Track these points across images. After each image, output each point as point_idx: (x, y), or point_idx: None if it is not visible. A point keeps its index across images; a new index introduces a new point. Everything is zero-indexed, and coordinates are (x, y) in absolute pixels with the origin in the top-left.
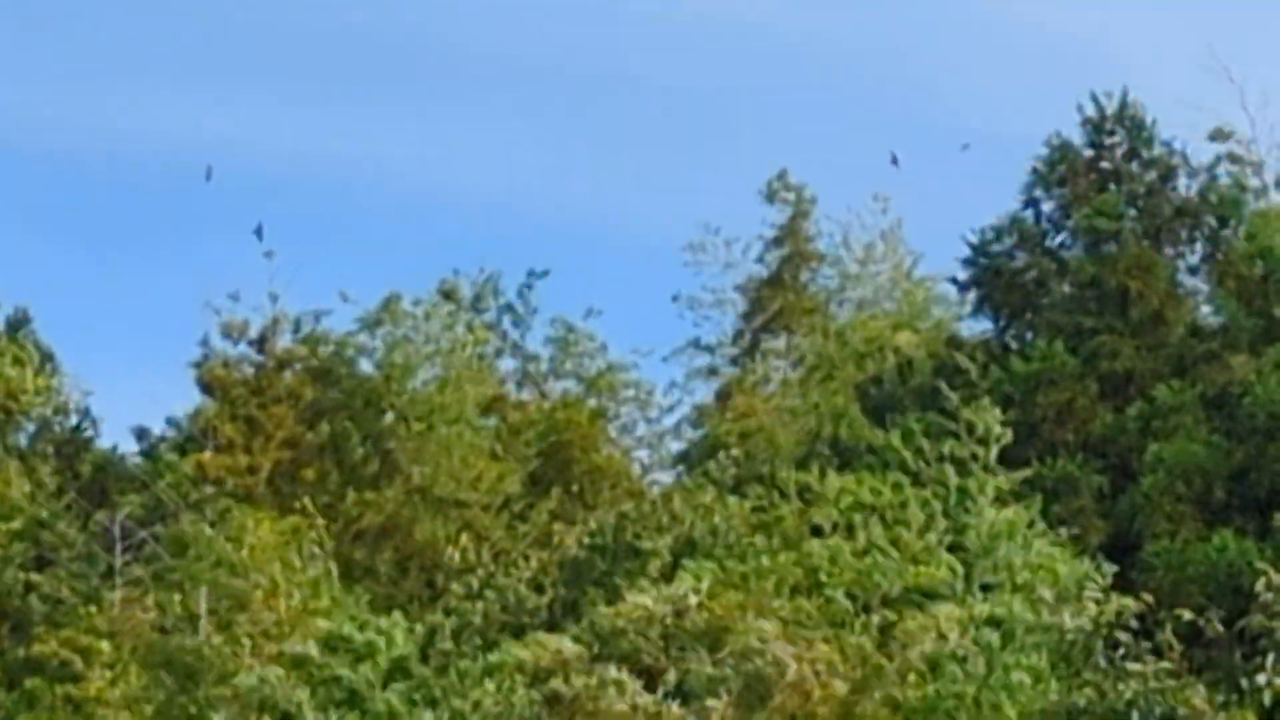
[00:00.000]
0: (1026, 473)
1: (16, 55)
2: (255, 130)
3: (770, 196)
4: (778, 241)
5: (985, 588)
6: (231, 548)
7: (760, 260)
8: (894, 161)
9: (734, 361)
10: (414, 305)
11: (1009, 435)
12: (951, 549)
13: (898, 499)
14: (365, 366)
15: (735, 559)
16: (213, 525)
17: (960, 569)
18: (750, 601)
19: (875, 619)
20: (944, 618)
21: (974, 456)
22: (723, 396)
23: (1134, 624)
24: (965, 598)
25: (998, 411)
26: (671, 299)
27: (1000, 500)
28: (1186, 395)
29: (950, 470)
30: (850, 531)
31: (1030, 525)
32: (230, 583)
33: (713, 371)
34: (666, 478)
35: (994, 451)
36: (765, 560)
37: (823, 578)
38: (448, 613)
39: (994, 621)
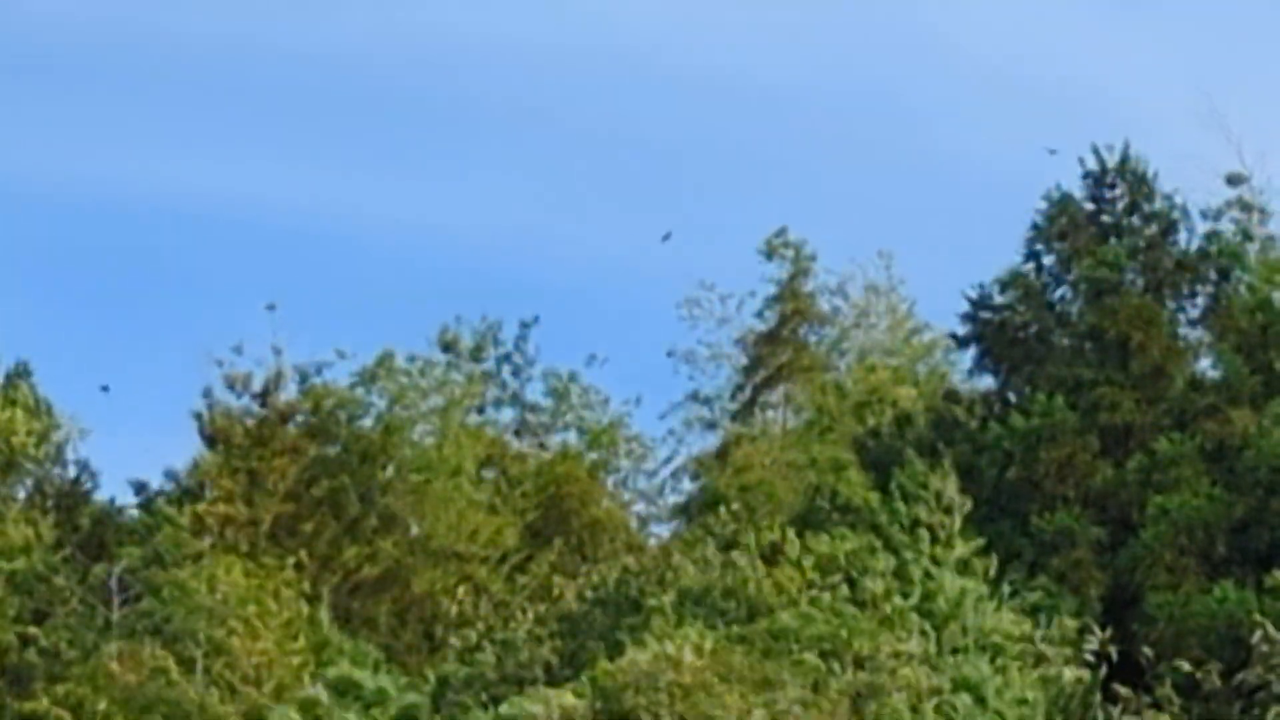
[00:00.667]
0: (979, 543)
1: (17, 108)
2: (256, 183)
3: (770, 254)
4: (778, 298)
5: (954, 651)
6: (206, 592)
7: (760, 316)
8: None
9: (733, 416)
10: (410, 361)
11: (968, 504)
12: (921, 613)
13: (871, 562)
14: (365, 420)
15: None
16: (195, 573)
17: (931, 632)
18: (717, 663)
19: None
20: (914, 681)
21: (941, 525)
22: (722, 451)
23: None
24: (937, 660)
25: (955, 480)
26: (667, 354)
27: (964, 566)
28: (1187, 448)
29: (924, 535)
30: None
31: (992, 594)
32: (210, 629)
33: (710, 425)
34: (664, 531)
35: (957, 520)
36: (736, 628)
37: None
38: (462, 662)
39: (966, 684)
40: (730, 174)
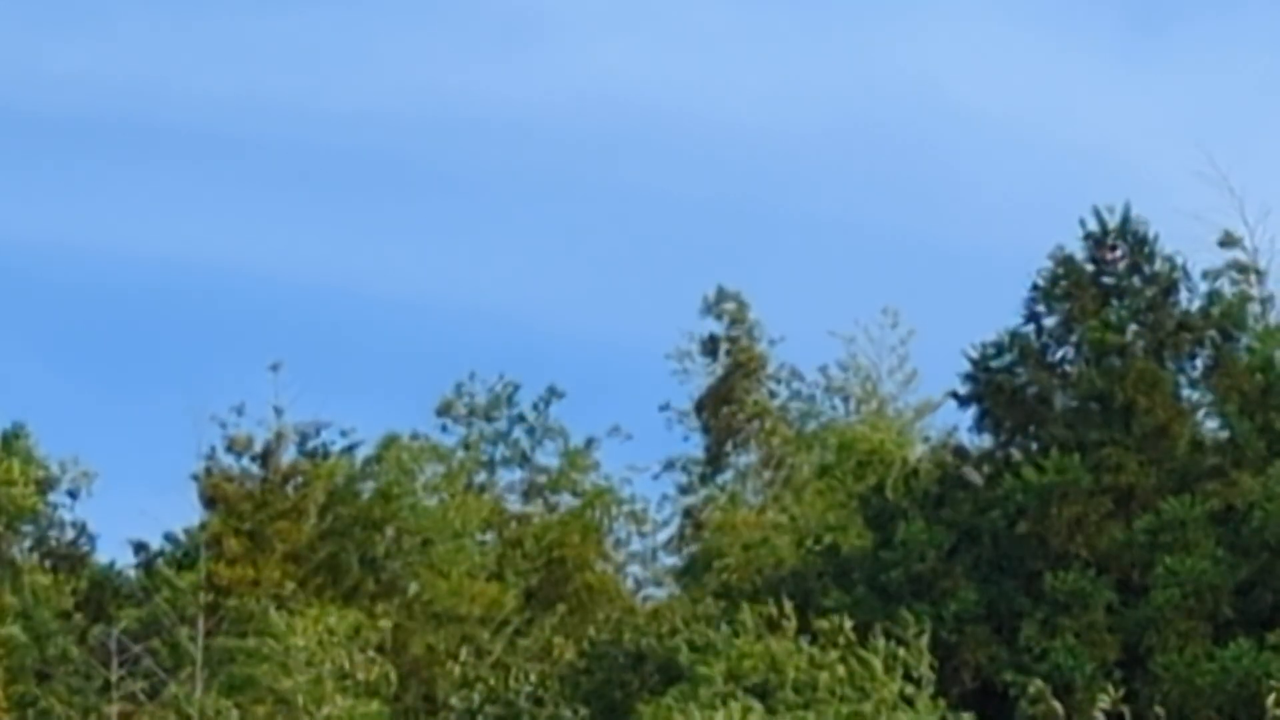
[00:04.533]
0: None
1: (11, 174)
2: (263, 245)
3: (709, 310)
4: (726, 353)
5: None
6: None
7: (711, 374)
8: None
9: (702, 479)
10: (414, 438)
11: (933, 677)
12: None
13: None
14: (365, 483)
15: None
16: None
17: None
18: None
19: None
20: None
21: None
22: (693, 512)
23: None
24: None
25: (928, 655)
26: (659, 408)
27: None
28: (1194, 510)
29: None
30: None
31: None
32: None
33: (685, 490)
34: (660, 593)
35: (927, 691)
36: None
37: None
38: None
39: None
40: (740, 236)
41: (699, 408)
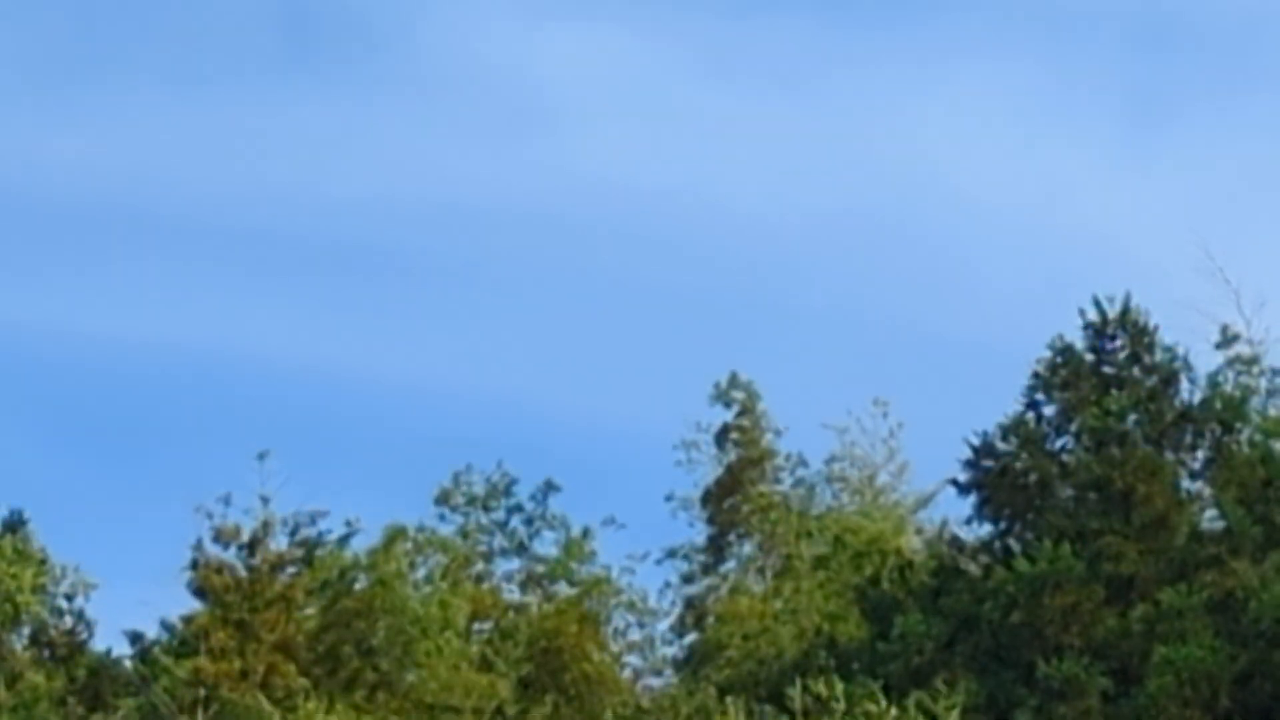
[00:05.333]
0: None
1: (10, 259)
2: (256, 331)
3: (721, 399)
4: (734, 443)
5: None
6: None
7: (719, 463)
8: None
9: (704, 568)
10: (419, 530)
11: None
12: None
13: None
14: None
15: None
16: None
17: None
18: None
19: None
20: None
21: None
22: (695, 601)
23: None
24: None
25: None
26: (665, 498)
27: None
28: (1191, 599)
29: None
30: None
31: None
32: None
33: (687, 579)
34: (659, 683)
35: None
36: None
37: None
38: None
39: None
40: (739, 325)
41: (705, 499)
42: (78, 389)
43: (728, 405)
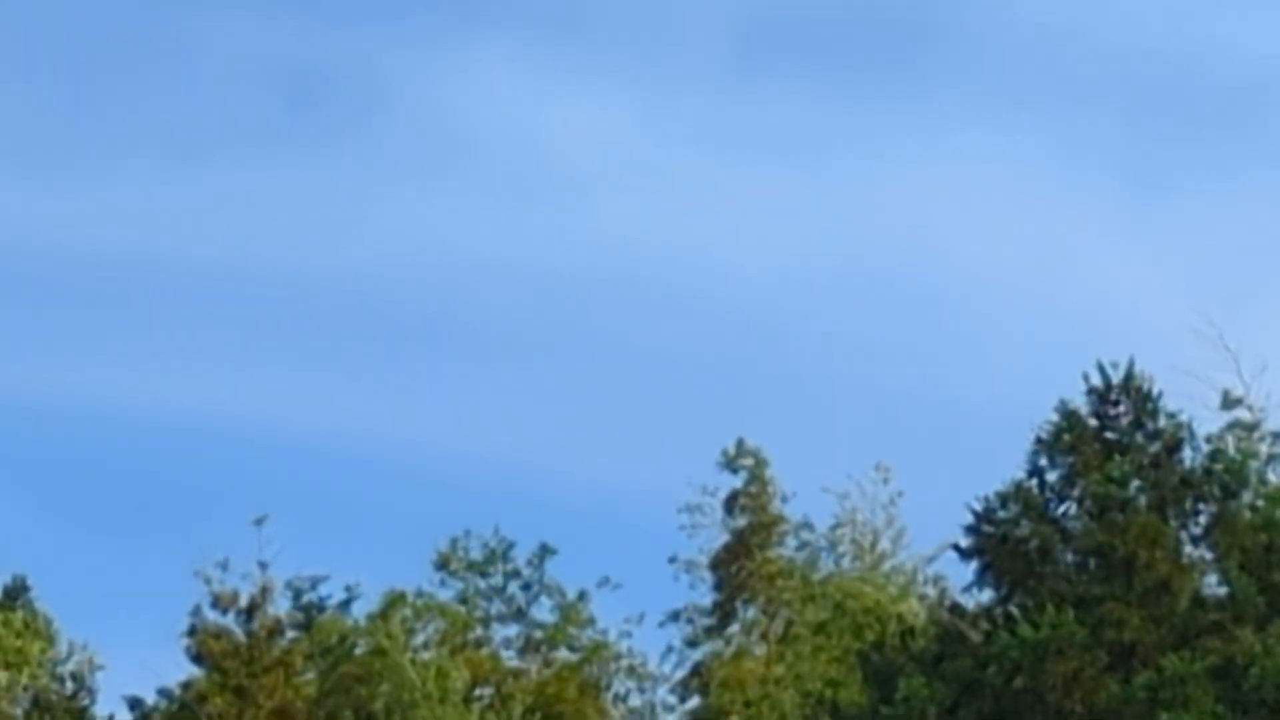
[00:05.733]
0: None
1: (9, 328)
2: (253, 399)
3: (729, 465)
4: (741, 509)
5: None
6: None
7: (727, 529)
8: None
9: (708, 632)
10: (418, 596)
11: None
12: None
13: None
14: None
15: None
16: None
17: None
18: None
19: None
20: None
21: None
22: (701, 668)
23: None
24: None
25: None
26: (669, 560)
27: None
28: (1194, 666)
29: None
30: None
31: None
32: None
33: (691, 644)
34: None
35: None
36: None
37: None
38: None
39: None
40: (741, 388)
41: (714, 564)
42: (76, 455)
43: (735, 471)
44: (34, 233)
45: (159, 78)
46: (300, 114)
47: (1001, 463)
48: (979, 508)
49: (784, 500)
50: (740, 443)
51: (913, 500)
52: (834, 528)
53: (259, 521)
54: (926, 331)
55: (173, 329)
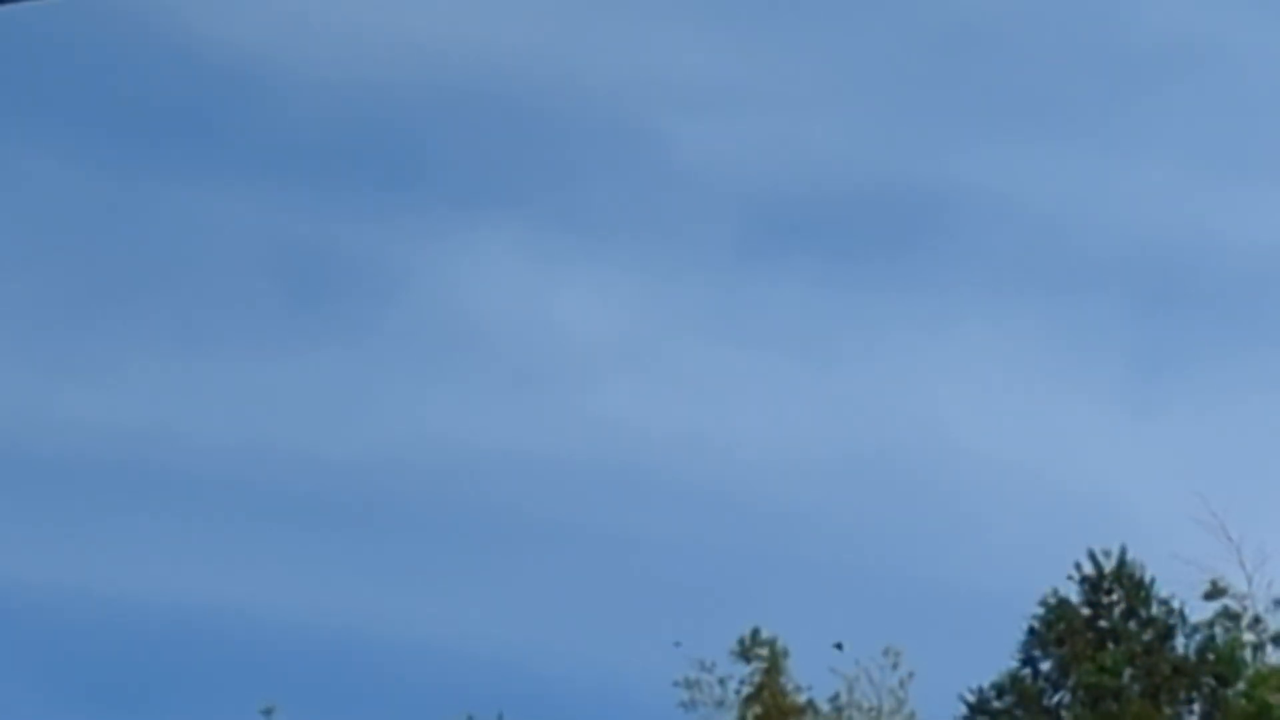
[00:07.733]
0: None
1: (14, 515)
2: (259, 588)
3: (744, 655)
4: (756, 698)
5: None
6: None
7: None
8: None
9: None
10: None
11: None
12: None
13: None
14: None
15: None
16: None
17: None
18: None
19: None
20: None
21: None
22: None
23: None
24: None
25: None
26: None
27: None
28: None
29: None
30: None
31: None
32: None
33: None
34: None
35: None
36: None
37: None
38: None
39: None
40: (742, 577)
41: None
42: (79, 644)
43: (748, 661)
44: (43, 420)
45: (167, 267)
46: (300, 301)
47: (1005, 647)
48: (972, 699)
49: (798, 690)
50: (755, 632)
51: (918, 684)
52: (840, 710)
53: (268, 712)
54: (930, 517)
55: (175, 515)
